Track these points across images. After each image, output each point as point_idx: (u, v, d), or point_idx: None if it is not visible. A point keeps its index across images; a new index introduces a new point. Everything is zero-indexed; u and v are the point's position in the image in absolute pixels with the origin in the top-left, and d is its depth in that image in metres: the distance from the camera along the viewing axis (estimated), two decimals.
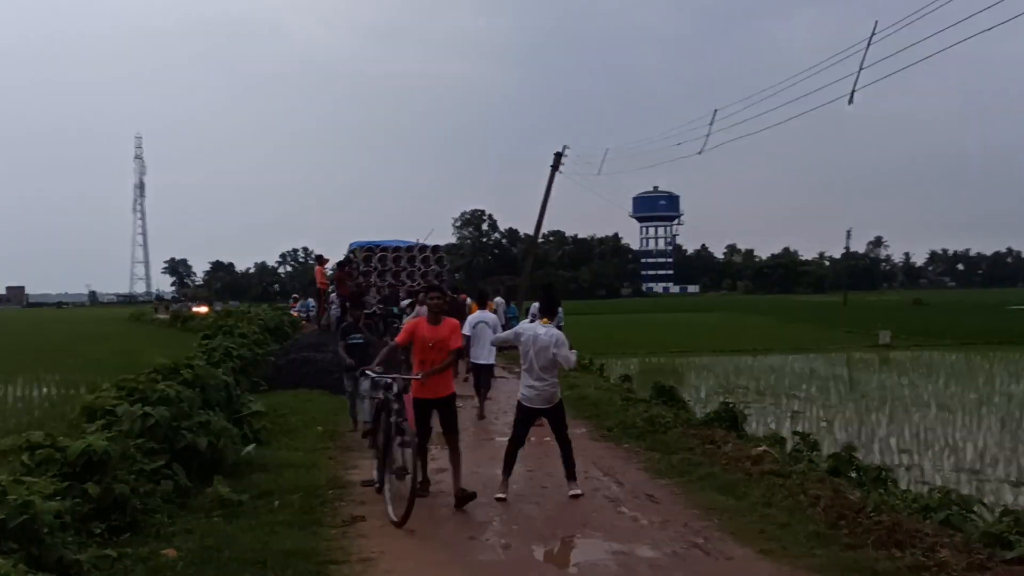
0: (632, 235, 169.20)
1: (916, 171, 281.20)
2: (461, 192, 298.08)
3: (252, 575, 5.58)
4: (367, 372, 8.07)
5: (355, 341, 10.89)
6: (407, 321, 16.05)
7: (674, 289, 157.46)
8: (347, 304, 24.08)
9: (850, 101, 17.54)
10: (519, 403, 8.11)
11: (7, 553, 4.46)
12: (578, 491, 7.92)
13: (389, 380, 7.62)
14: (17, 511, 4.78)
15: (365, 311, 12.61)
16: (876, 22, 17.53)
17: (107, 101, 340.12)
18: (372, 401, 8.95)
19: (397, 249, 25.70)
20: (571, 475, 8.04)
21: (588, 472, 9.00)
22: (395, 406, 7.44)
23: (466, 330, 11.88)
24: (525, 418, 8.09)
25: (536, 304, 11.45)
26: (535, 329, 8.08)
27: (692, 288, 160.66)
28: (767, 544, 6.35)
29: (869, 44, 17.24)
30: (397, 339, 7.89)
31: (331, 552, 6.19)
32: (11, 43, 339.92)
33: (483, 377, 13.29)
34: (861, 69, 17.32)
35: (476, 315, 13.36)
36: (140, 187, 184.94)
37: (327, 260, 27.62)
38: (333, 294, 23.83)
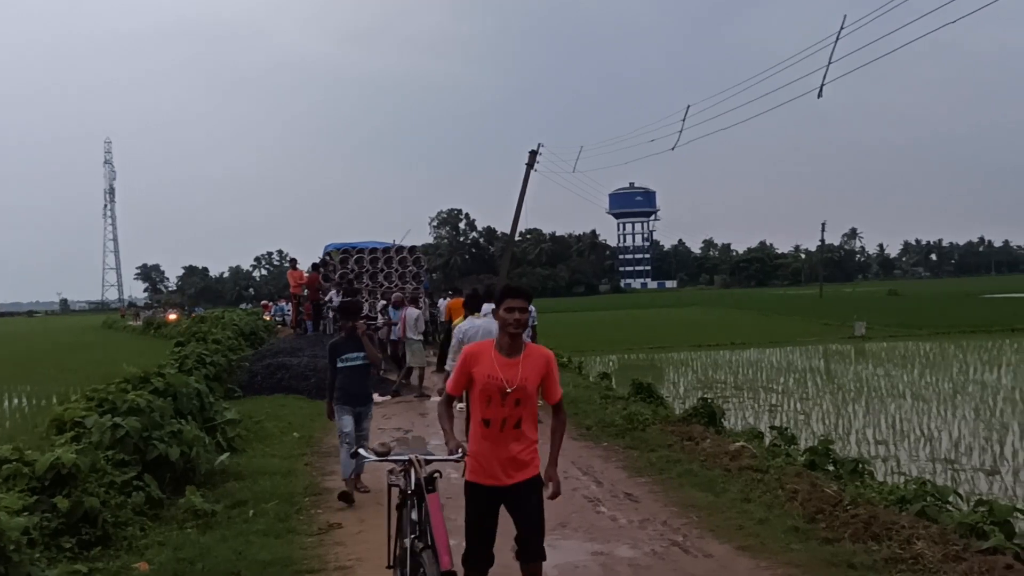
0: (609, 232, 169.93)
1: (889, 163, 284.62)
2: (438, 192, 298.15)
3: None
4: (362, 454, 5.04)
5: (351, 363, 7.90)
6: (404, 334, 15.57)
7: (652, 285, 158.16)
8: (323, 310, 23.97)
9: (819, 95, 17.68)
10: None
11: None
12: None
13: (409, 459, 4.55)
14: None
15: (366, 317, 10.75)
16: (845, 16, 17.66)
17: (77, 106, 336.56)
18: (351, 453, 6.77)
19: (374, 250, 25.34)
20: None
21: (567, 472, 8.97)
22: (412, 515, 4.50)
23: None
24: None
25: (488, 305, 11.35)
26: (472, 322, 9.45)
27: (670, 283, 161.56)
28: (746, 540, 6.34)
29: (838, 38, 17.35)
30: (448, 388, 4.65)
31: (307, 561, 6.11)
32: None
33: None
34: (830, 63, 17.44)
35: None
36: (110, 192, 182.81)
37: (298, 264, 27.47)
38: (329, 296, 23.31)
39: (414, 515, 4.47)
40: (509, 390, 4.33)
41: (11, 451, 6.40)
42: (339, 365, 7.87)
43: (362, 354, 7.93)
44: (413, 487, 4.45)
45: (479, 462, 4.40)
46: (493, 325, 8.91)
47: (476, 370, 4.40)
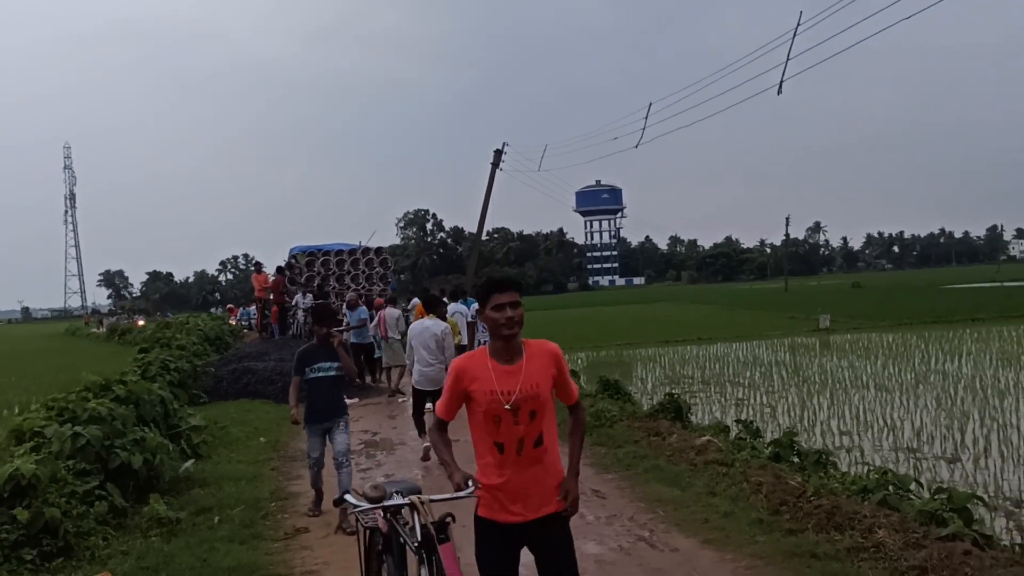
0: (577, 230, 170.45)
1: (851, 157, 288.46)
2: (404, 192, 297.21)
3: None
4: (349, 500, 3.98)
5: (322, 374, 7.16)
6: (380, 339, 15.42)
7: (620, 282, 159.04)
8: (289, 313, 23.74)
9: (779, 91, 17.86)
10: (413, 387, 9.84)
11: None
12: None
13: (410, 503, 3.81)
14: None
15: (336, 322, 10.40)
16: (801, 12, 17.87)
17: (35, 110, 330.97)
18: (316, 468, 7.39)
19: (340, 252, 25.14)
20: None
21: None
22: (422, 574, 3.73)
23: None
24: (419, 399, 9.75)
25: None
26: (422, 323, 9.71)
27: (637, 280, 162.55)
28: (711, 533, 6.41)
29: (795, 34, 17.55)
30: (439, 412, 3.76)
31: (273, 566, 6.08)
32: None
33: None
34: (788, 59, 17.63)
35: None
36: (71, 198, 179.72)
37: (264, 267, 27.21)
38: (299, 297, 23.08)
39: (424, 574, 3.66)
40: (515, 402, 3.52)
41: None
42: (309, 376, 7.03)
43: (336, 364, 7.15)
44: (420, 538, 3.63)
45: (495, 495, 3.54)
46: (436, 327, 9.71)
47: (474, 388, 3.57)
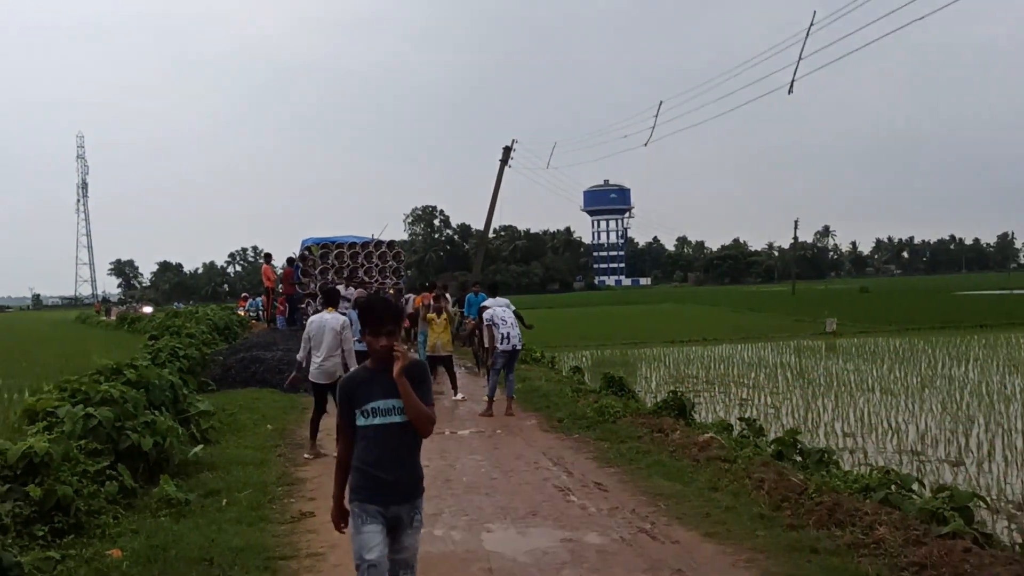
0: (584, 229, 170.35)
1: (862, 160, 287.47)
2: (413, 188, 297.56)
3: (199, 573, 5.53)
4: None
5: (380, 420, 3.89)
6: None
7: (626, 282, 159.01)
8: (296, 305, 23.73)
9: (790, 91, 17.89)
10: (312, 382, 9.79)
11: None
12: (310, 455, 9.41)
13: None
14: None
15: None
16: (815, 12, 17.87)
17: (48, 100, 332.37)
18: None
19: (353, 245, 25.03)
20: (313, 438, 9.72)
21: (538, 462, 9.08)
22: None
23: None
24: (320, 392, 9.80)
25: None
26: (322, 317, 9.86)
27: (644, 280, 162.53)
28: (712, 527, 6.47)
29: (808, 34, 17.56)
30: None
31: (280, 548, 6.16)
32: None
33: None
34: (800, 59, 17.66)
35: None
36: (83, 187, 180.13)
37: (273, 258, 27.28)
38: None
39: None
40: None
41: None
42: (361, 423, 3.84)
43: (399, 404, 3.85)
44: None
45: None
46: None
47: None
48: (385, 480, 3.82)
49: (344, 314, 10.49)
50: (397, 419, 3.84)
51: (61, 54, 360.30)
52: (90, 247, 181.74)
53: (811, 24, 17.68)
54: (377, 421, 3.84)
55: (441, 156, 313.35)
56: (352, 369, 5.02)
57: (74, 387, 8.46)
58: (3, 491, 5.77)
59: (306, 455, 9.59)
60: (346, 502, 3.93)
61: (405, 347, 3.93)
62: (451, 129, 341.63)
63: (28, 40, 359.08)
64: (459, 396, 13.92)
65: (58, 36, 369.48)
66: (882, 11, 16.15)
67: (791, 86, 17.76)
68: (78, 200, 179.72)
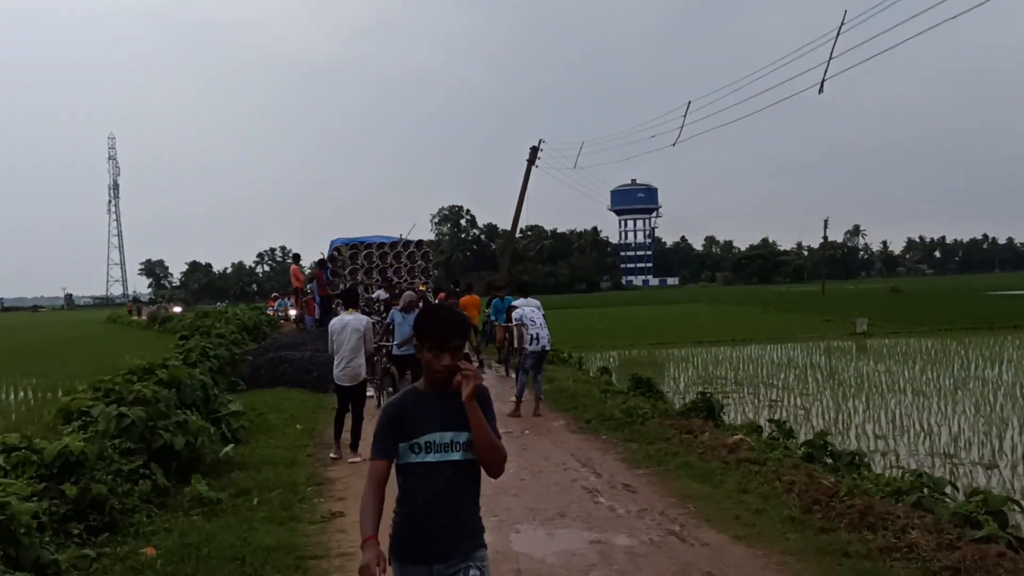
0: (611, 229, 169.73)
1: (892, 159, 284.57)
2: (439, 188, 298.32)
3: (231, 571, 5.60)
4: None
5: (434, 458, 2.84)
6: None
7: (653, 282, 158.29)
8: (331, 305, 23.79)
9: (820, 91, 17.74)
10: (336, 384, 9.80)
11: None
12: (357, 459, 9.32)
13: None
14: None
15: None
16: (845, 12, 17.70)
17: (81, 102, 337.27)
18: None
19: (382, 245, 24.94)
20: (354, 445, 9.65)
21: (567, 463, 9.08)
22: None
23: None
24: (343, 394, 9.79)
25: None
26: (343, 318, 9.77)
27: (671, 280, 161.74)
28: (742, 530, 6.44)
29: (839, 34, 17.40)
30: None
31: (310, 547, 6.22)
32: None
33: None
34: (831, 59, 17.48)
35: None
36: (114, 188, 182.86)
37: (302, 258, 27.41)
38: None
39: None
40: None
41: (19, 439, 6.51)
42: (407, 460, 3.06)
43: (464, 436, 3.08)
44: None
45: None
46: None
47: None
48: (436, 531, 3.00)
49: (368, 314, 10.58)
50: (456, 456, 3.06)
51: (93, 56, 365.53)
52: (121, 247, 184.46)
53: (841, 23, 17.51)
54: (431, 458, 3.05)
55: (468, 156, 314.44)
56: (398, 393, 3.49)
57: (107, 387, 8.58)
58: (40, 489, 5.87)
59: (332, 455, 9.66)
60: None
61: (474, 364, 3.04)
62: (478, 129, 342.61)
63: (59, 42, 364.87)
64: None
65: (90, 35, 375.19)
66: (914, 10, 15.94)
67: (821, 86, 17.61)
68: (109, 201, 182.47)
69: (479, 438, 3.02)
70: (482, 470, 3.11)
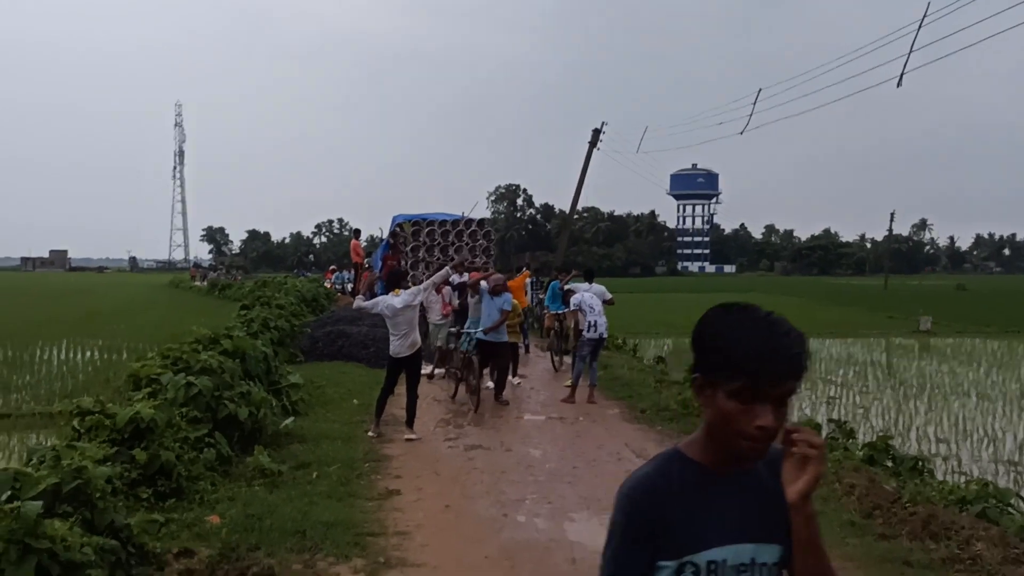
0: (669, 213, 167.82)
1: (964, 153, 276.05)
2: (497, 167, 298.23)
3: (292, 544, 5.72)
4: None
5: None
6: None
7: (710, 269, 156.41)
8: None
9: (899, 84, 17.20)
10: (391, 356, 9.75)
11: (63, 516, 4.61)
12: (413, 436, 9.51)
13: None
14: (71, 476, 4.92)
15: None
16: (928, 3, 17.11)
17: (149, 69, 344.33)
18: None
19: (444, 223, 24.70)
20: (410, 422, 9.73)
21: (620, 453, 9.07)
22: None
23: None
24: (395, 367, 9.82)
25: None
26: (390, 303, 9.68)
27: (728, 268, 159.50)
28: None
29: (920, 26, 16.86)
30: None
31: (368, 524, 6.31)
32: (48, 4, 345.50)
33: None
34: (911, 51, 16.94)
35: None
36: (180, 155, 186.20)
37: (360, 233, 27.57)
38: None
39: None
40: None
41: (93, 403, 6.71)
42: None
43: (774, 553, 1.83)
44: None
45: None
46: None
47: None
48: None
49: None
50: None
51: (162, 24, 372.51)
52: (184, 213, 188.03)
53: (924, 15, 16.94)
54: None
55: (528, 136, 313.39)
56: (650, 463, 1.96)
57: (176, 355, 8.79)
58: (112, 453, 6.04)
59: (370, 432, 9.66)
60: None
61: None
62: (538, 109, 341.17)
63: (131, 8, 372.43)
64: (516, 381, 13.68)
65: (159, 7, 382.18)
66: (997, 7, 15.35)
67: (900, 79, 17.08)
68: (174, 167, 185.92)
69: (809, 562, 1.81)
70: None
